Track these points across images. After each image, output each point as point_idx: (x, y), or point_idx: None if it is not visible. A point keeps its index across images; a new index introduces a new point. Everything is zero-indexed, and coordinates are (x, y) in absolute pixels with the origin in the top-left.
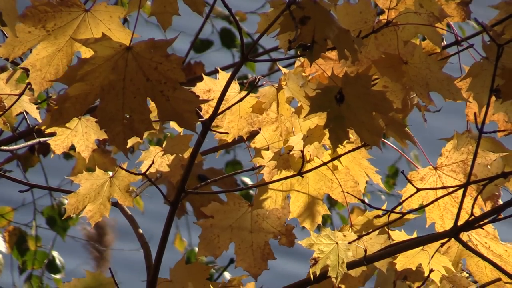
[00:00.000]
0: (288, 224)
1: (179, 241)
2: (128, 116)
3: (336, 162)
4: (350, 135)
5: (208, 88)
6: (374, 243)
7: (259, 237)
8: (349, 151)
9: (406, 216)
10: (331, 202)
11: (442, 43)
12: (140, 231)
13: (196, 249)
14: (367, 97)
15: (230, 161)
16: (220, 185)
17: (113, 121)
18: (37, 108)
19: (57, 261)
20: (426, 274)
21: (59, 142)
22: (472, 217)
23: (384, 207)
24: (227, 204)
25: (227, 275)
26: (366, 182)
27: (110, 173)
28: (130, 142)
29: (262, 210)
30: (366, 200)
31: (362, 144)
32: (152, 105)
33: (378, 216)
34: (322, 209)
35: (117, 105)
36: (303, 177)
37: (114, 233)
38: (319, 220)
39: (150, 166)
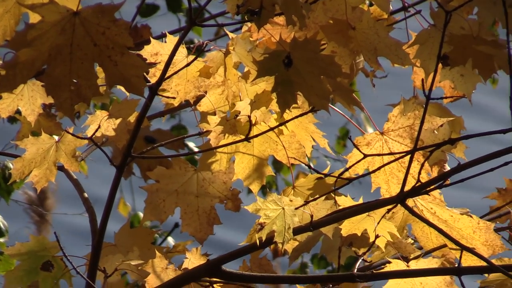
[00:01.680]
0: (234, 189)
1: (123, 205)
2: (75, 82)
3: (282, 127)
4: (298, 100)
5: (155, 51)
6: (320, 208)
7: (205, 201)
8: (297, 116)
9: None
10: (277, 168)
11: (390, 9)
12: (86, 195)
13: (140, 213)
14: (316, 62)
15: (176, 126)
16: (168, 147)
17: (60, 87)
18: None
19: (1, 225)
20: (371, 240)
21: (4, 105)
22: (419, 183)
23: (327, 171)
24: (173, 169)
25: (171, 241)
26: (313, 146)
27: (56, 137)
28: (77, 107)
29: (208, 175)
30: (312, 166)
31: (310, 108)
32: (98, 69)
33: (320, 178)
34: (267, 170)
35: (64, 70)
36: (250, 142)
37: (55, 197)
38: (263, 181)
39: (96, 131)
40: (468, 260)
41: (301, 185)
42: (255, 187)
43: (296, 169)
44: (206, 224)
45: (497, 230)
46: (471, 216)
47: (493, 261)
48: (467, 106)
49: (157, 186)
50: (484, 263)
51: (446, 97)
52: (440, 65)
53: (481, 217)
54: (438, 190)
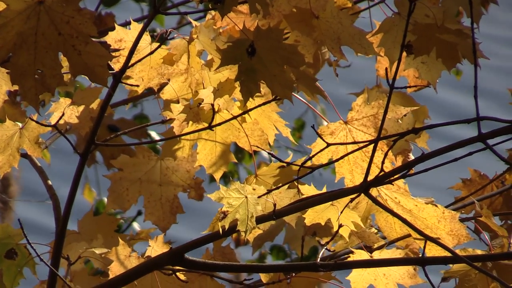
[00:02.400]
0: (197, 178)
1: (88, 191)
2: (39, 71)
3: (245, 115)
4: (261, 88)
5: (119, 37)
6: (283, 197)
7: (168, 190)
8: (260, 105)
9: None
10: (238, 157)
11: None
12: (49, 182)
13: (105, 199)
14: (279, 51)
15: (138, 115)
16: (131, 136)
17: (25, 76)
18: None
19: None
20: (335, 230)
21: None
22: (382, 172)
23: (289, 160)
24: (136, 157)
25: (136, 226)
26: (275, 136)
27: (20, 124)
28: (42, 96)
29: (171, 163)
30: (274, 154)
31: (273, 97)
32: (63, 58)
33: (282, 166)
34: (229, 157)
35: (28, 59)
36: (213, 130)
37: (18, 185)
38: (225, 168)
39: (60, 118)
40: (433, 250)
41: (264, 174)
42: (217, 174)
43: (258, 158)
44: (169, 213)
45: (462, 220)
46: (436, 206)
47: (458, 251)
48: (431, 101)
49: (121, 174)
50: (448, 254)
51: (410, 86)
52: (404, 53)
53: (446, 207)
54: (402, 180)
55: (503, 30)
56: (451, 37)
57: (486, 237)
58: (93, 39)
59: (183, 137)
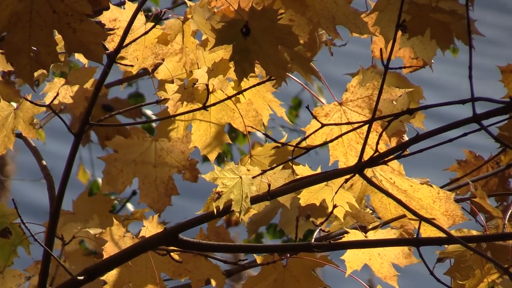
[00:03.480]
0: (192, 159)
1: (83, 172)
2: (34, 49)
3: (239, 96)
4: (255, 69)
5: (114, 17)
6: (278, 177)
7: (163, 171)
8: (255, 85)
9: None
10: (232, 137)
11: None
12: (44, 162)
13: (100, 180)
14: (273, 31)
15: (133, 94)
16: (126, 115)
17: (20, 54)
18: None
19: None
20: (329, 210)
21: None
22: (377, 153)
23: (283, 141)
24: (131, 138)
25: (130, 206)
26: (270, 115)
27: (15, 105)
28: (36, 75)
29: (166, 144)
30: (269, 135)
31: (268, 77)
32: (58, 37)
33: (277, 147)
34: (224, 138)
35: (23, 37)
36: (207, 110)
37: (14, 164)
38: (220, 149)
39: (54, 98)
40: (428, 231)
41: (258, 154)
42: (212, 155)
43: (252, 139)
44: (164, 195)
45: (457, 201)
46: (431, 186)
47: (452, 232)
48: (427, 82)
49: (115, 156)
50: (443, 234)
51: (405, 67)
52: (399, 33)
53: (441, 188)
54: (397, 161)
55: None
56: (445, 17)
57: (481, 218)
58: (88, 17)
59: (177, 118)
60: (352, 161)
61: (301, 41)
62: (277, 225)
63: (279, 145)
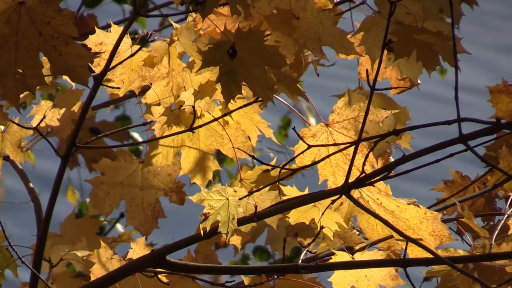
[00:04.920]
0: (179, 181)
1: (71, 193)
2: (20, 71)
3: (227, 117)
4: (242, 90)
5: (100, 41)
6: (264, 199)
7: (149, 194)
8: (242, 106)
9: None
10: (220, 159)
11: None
12: (31, 185)
13: (88, 200)
14: (260, 52)
15: (120, 116)
16: (113, 138)
17: (6, 76)
18: None
19: None
20: (317, 231)
21: None
22: (363, 174)
23: (273, 163)
24: (118, 161)
25: (119, 227)
26: (258, 137)
27: (2, 127)
28: (23, 98)
29: (153, 167)
30: (257, 157)
31: (255, 99)
32: (44, 59)
33: (267, 170)
34: (213, 164)
35: (9, 59)
36: (194, 132)
37: (2, 187)
38: (210, 175)
39: (41, 120)
40: (415, 251)
41: (248, 178)
42: (202, 182)
43: (240, 161)
44: (151, 218)
45: (444, 221)
46: (418, 206)
47: (439, 251)
48: (416, 96)
49: (102, 178)
50: (430, 255)
51: (391, 88)
52: (385, 53)
53: (427, 208)
54: (383, 182)
55: None
56: (431, 38)
57: (468, 238)
58: (74, 40)
59: (166, 145)
60: (341, 180)
61: (288, 62)
62: (263, 247)
63: (269, 168)
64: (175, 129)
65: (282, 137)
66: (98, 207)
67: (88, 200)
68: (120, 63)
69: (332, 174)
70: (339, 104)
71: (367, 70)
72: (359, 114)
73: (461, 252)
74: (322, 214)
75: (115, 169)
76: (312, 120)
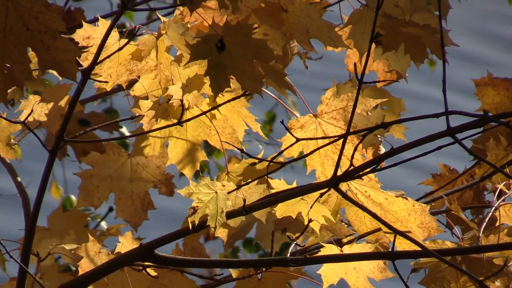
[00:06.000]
0: (168, 173)
1: (55, 189)
2: (8, 66)
3: (214, 111)
4: (231, 84)
5: (87, 35)
6: (253, 192)
7: (139, 186)
8: (230, 100)
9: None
10: (209, 151)
11: None
12: (18, 179)
13: (72, 196)
14: (248, 45)
15: (107, 109)
16: (102, 129)
17: None
18: None
19: None
20: (305, 224)
21: None
22: (352, 167)
23: (260, 156)
24: (107, 154)
25: (103, 224)
26: (245, 130)
27: None
28: (11, 94)
29: (141, 159)
30: (245, 150)
31: (243, 92)
32: (31, 54)
33: (254, 163)
34: (201, 155)
35: None
36: (182, 125)
37: None
38: (197, 166)
39: (29, 115)
40: (403, 244)
41: (235, 171)
42: (189, 173)
43: (229, 153)
44: (140, 210)
45: (433, 214)
46: (406, 199)
47: (427, 243)
48: (404, 91)
49: (91, 172)
50: (418, 247)
51: (379, 81)
52: (373, 46)
53: (416, 201)
54: (372, 174)
55: None
56: (418, 31)
57: (457, 231)
58: (62, 35)
59: (153, 135)
60: (329, 170)
61: (275, 54)
62: (253, 240)
63: (256, 161)
64: (163, 122)
65: (267, 132)
66: (88, 200)
67: (72, 196)
68: (108, 57)
69: (321, 164)
70: (327, 94)
71: (355, 63)
72: (348, 104)
73: (449, 244)
74: (311, 207)
75: (104, 162)
76: (298, 115)
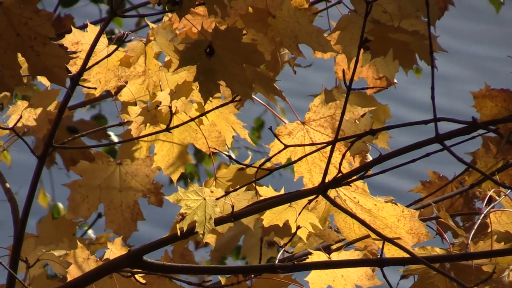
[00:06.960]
0: (157, 182)
1: (43, 196)
2: None
3: (203, 117)
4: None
5: (76, 40)
6: (241, 199)
7: (128, 196)
8: (218, 106)
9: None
10: (198, 158)
11: None
12: (7, 185)
13: (60, 204)
14: (238, 50)
15: (96, 116)
16: (91, 137)
17: None
18: None
19: None
20: (293, 231)
21: None
22: (340, 174)
23: (247, 162)
24: (95, 163)
25: (91, 233)
26: (233, 137)
27: None
28: (0, 99)
29: (130, 168)
30: (233, 156)
31: (232, 98)
32: (21, 59)
33: (242, 169)
34: (187, 158)
35: None
36: (171, 132)
37: None
38: (183, 169)
39: (18, 121)
40: (392, 250)
41: (223, 176)
42: (175, 176)
43: (218, 160)
44: (130, 220)
45: (423, 221)
46: (395, 204)
47: (416, 249)
48: (393, 95)
49: (80, 182)
50: (407, 254)
51: (367, 88)
52: (362, 52)
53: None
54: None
55: None
56: (407, 37)
57: (446, 238)
58: (52, 41)
59: (140, 140)
60: (317, 177)
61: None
62: (240, 248)
63: (244, 166)
64: (151, 127)
65: (255, 139)
66: (77, 211)
67: (59, 204)
68: (97, 63)
69: (308, 172)
70: (315, 102)
71: (343, 70)
72: (336, 112)
73: (438, 251)
74: (299, 214)
75: (93, 171)
76: (286, 121)
